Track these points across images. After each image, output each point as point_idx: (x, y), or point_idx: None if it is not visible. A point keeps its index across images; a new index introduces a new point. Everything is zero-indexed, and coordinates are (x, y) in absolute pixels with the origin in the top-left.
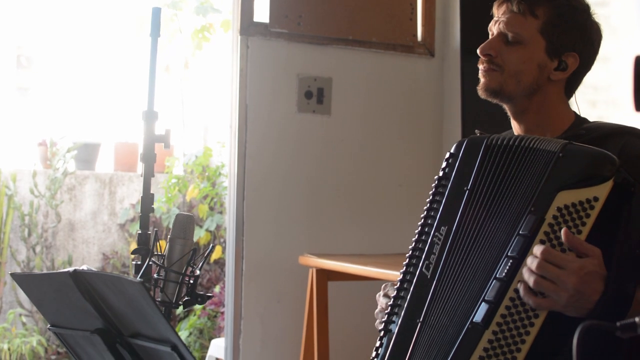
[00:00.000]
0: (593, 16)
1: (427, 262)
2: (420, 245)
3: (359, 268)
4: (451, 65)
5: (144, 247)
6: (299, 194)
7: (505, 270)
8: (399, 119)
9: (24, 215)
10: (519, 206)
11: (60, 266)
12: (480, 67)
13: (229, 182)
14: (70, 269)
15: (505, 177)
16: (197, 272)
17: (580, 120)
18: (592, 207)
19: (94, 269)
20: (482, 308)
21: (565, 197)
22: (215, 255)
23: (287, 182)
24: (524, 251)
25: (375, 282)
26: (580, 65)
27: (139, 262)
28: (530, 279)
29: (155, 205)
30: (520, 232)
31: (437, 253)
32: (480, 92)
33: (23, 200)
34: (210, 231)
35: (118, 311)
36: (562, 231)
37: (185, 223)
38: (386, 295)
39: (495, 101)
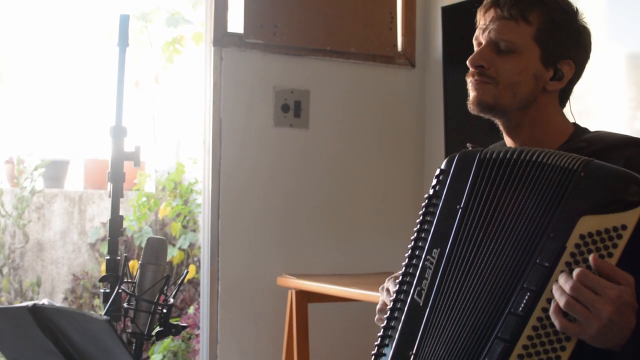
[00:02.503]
0: (583, 20)
1: (418, 288)
2: (411, 270)
3: (341, 289)
4: (433, 76)
5: (113, 273)
6: (276, 212)
7: (522, 305)
8: (379, 132)
9: None
10: (529, 229)
11: (29, 288)
12: (470, 79)
13: (203, 200)
14: (30, 303)
15: (505, 195)
16: (171, 300)
17: (580, 131)
18: (619, 236)
19: (55, 304)
20: (496, 347)
21: (589, 224)
22: (189, 275)
23: (264, 200)
24: (543, 283)
25: (357, 304)
26: (575, 73)
27: (107, 290)
28: (561, 299)
29: (126, 224)
30: (538, 261)
31: (429, 278)
32: (472, 107)
33: None
34: (184, 250)
35: (82, 350)
36: (591, 257)
37: (158, 247)
38: (387, 291)
39: (487, 116)
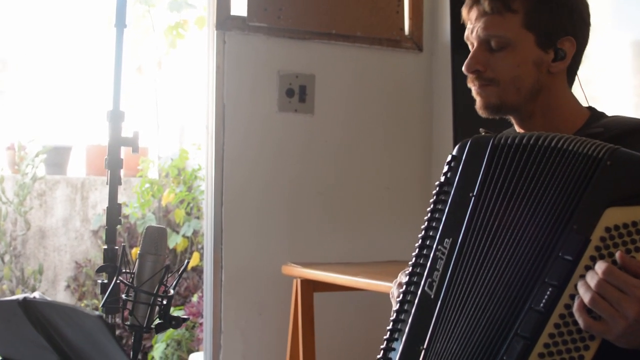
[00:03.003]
0: None
1: (429, 279)
2: (421, 261)
3: (347, 279)
4: (441, 60)
5: (111, 264)
6: (280, 199)
7: (544, 301)
8: (385, 117)
9: None
10: (549, 219)
11: (31, 276)
12: (472, 86)
13: (206, 187)
14: (20, 296)
15: (521, 182)
16: (171, 291)
17: (596, 116)
18: None
19: (47, 298)
20: (516, 345)
21: (615, 216)
22: (193, 262)
23: (268, 186)
24: (566, 278)
25: (364, 293)
26: (578, 46)
27: (105, 281)
28: (586, 295)
29: (129, 211)
30: (560, 254)
31: (441, 269)
32: (480, 111)
33: None
34: (187, 237)
35: (74, 345)
36: (618, 254)
37: (157, 236)
38: (400, 285)
39: (498, 116)
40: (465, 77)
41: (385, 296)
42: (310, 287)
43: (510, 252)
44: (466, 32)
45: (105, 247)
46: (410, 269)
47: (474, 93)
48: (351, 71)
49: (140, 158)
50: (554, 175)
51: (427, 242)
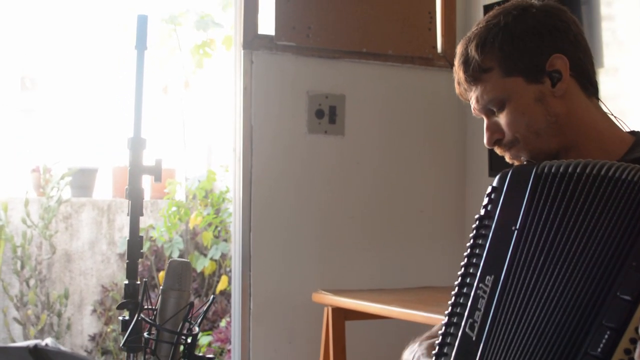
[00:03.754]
0: (530, 4)
1: (470, 320)
2: (461, 300)
3: (380, 307)
4: None
5: (132, 300)
6: (310, 223)
7: (601, 345)
8: (418, 138)
9: (16, 247)
10: (603, 256)
11: (56, 300)
12: (502, 154)
13: (233, 211)
14: (31, 343)
15: (569, 214)
16: (196, 329)
17: None
18: None
19: (59, 346)
20: None
21: None
22: (221, 286)
23: (298, 210)
24: (626, 320)
25: (397, 322)
26: (572, 57)
27: (126, 318)
28: None
29: (156, 234)
30: (619, 294)
31: (483, 309)
32: None
33: (15, 230)
34: (215, 260)
35: None
36: None
37: (181, 271)
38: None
39: None
40: None
41: (420, 325)
42: (341, 315)
43: (560, 290)
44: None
45: (127, 282)
46: (450, 308)
47: (507, 160)
48: (382, 91)
49: (167, 180)
50: (606, 207)
51: (467, 280)
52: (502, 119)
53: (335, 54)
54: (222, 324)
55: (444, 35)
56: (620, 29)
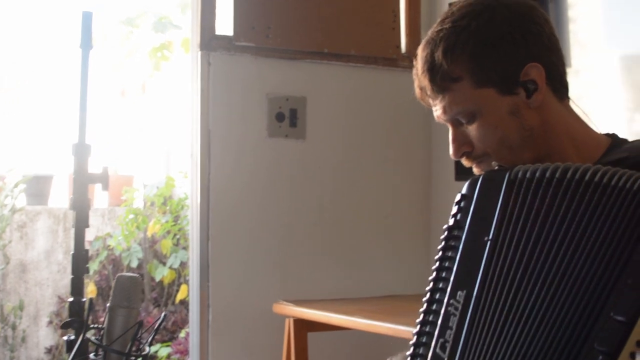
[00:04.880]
0: (501, 7)
1: (441, 340)
2: (431, 318)
3: (344, 318)
4: None
5: (77, 318)
6: (271, 231)
7: None
8: (383, 141)
9: None
10: (592, 269)
11: (11, 312)
12: (469, 165)
13: (190, 219)
14: None
15: (549, 223)
16: (146, 349)
17: (618, 142)
18: None
19: None
20: None
21: None
22: (181, 295)
23: (258, 217)
24: (620, 344)
25: (361, 333)
26: (547, 63)
27: (71, 337)
28: None
29: (113, 243)
30: (613, 314)
31: (454, 328)
32: None
33: None
34: (175, 269)
35: None
36: None
37: (129, 287)
38: None
39: None
40: None
41: (385, 337)
42: (303, 326)
43: (542, 307)
44: (434, 112)
45: (71, 299)
46: (418, 327)
47: (475, 171)
48: (345, 93)
49: (124, 187)
50: (593, 216)
51: (437, 296)
52: (471, 131)
53: (296, 54)
54: (182, 334)
55: (408, 35)
56: (581, 31)
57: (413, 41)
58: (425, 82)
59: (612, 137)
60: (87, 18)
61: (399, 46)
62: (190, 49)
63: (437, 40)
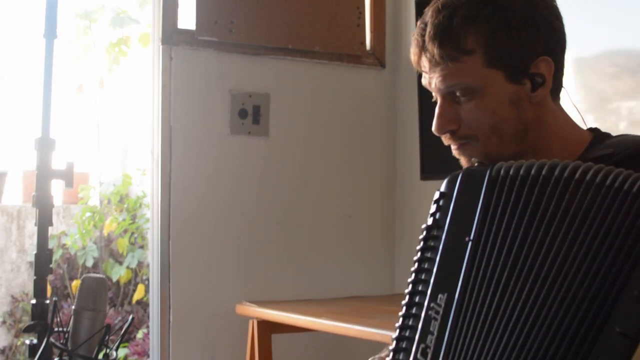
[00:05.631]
0: None
1: (422, 345)
2: (410, 322)
3: (309, 320)
4: (405, 77)
5: (40, 321)
6: (233, 230)
7: None
8: (346, 139)
9: None
10: (591, 277)
11: None
12: (449, 143)
13: (151, 217)
14: None
15: (536, 223)
16: (114, 354)
17: (600, 137)
18: None
19: None
20: None
21: None
22: (137, 295)
23: (220, 216)
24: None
25: (326, 334)
26: (557, 61)
27: (34, 342)
28: None
29: (69, 241)
30: (618, 329)
31: (436, 332)
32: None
33: None
34: (131, 268)
35: None
36: None
37: (95, 289)
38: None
39: None
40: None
41: (351, 339)
42: (267, 328)
43: (532, 314)
44: (423, 80)
45: (34, 301)
46: (398, 332)
47: (454, 152)
48: (309, 89)
49: (80, 184)
50: (585, 218)
51: (417, 299)
52: (464, 109)
53: (260, 50)
54: (139, 335)
55: (373, 32)
56: None
57: (378, 38)
58: (432, 47)
59: (595, 131)
60: (51, 6)
61: (363, 43)
62: (151, 42)
63: (457, 5)
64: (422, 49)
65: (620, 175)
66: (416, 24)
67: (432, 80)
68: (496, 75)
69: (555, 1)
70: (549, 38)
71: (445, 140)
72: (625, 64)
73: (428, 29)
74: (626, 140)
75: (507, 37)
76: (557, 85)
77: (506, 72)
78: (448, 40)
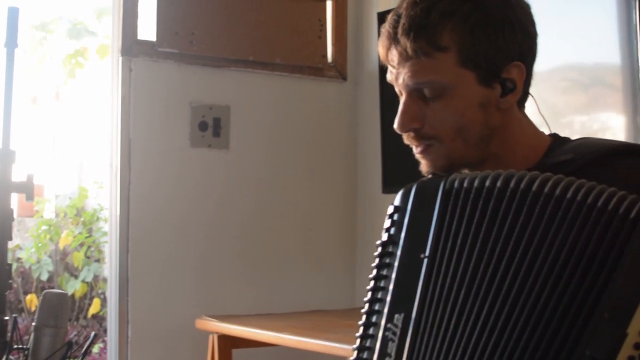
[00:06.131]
0: None
1: None
2: (367, 343)
3: (271, 335)
4: (366, 90)
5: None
6: (193, 244)
7: None
8: (307, 152)
9: None
10: (556, 296)
11: None
12: (410, 144)
13: (109, 231)
14: None
15: (493, 238)
16: None
17: (560, 141)
18: None
19: None
20: None
21: None
22: (93, 310)
23: (179, 230)
24: None
25: (288, 349)
26: (528, 68)
27: None
28: None
29: (24, 255)
30: (589, 353)
31: (394, 354)
32: (426, 174)
33: None
34: (87, 282)
35: None
36: None
37: (57, 305)
38: None
39: None
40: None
41: (312, 353)
42: (228, 343)
43: (493, 335)
44: (389, 75)
45: None
46: (355, 354)
47: (416, 154)
48: (270, 102)
49: (35, 197)
50: (546, 234)
51: (373, 319)
52: (431, 108)
53: (221, 62)
54: (95, 350)
55: (334, 44)
56: None
57: (339, 50)
58: (404, 40)
59: (554, 136)
60: (13, 14)
61: (325, 55)
62: (110, 54)
63: (435, 0)
64: (394, 41)
65: (583, 188)
66: (378, 36)
67: (399, 75)
68: (468, 76)
69: (531, 8)
70: (524, 44)
71: (407, 139)
72: (577, 79)
73: (402, 21)
74: (587, 144)
75: (484, 37)
76: (525, 94)
77: (479, 73)
78: (423, 35)
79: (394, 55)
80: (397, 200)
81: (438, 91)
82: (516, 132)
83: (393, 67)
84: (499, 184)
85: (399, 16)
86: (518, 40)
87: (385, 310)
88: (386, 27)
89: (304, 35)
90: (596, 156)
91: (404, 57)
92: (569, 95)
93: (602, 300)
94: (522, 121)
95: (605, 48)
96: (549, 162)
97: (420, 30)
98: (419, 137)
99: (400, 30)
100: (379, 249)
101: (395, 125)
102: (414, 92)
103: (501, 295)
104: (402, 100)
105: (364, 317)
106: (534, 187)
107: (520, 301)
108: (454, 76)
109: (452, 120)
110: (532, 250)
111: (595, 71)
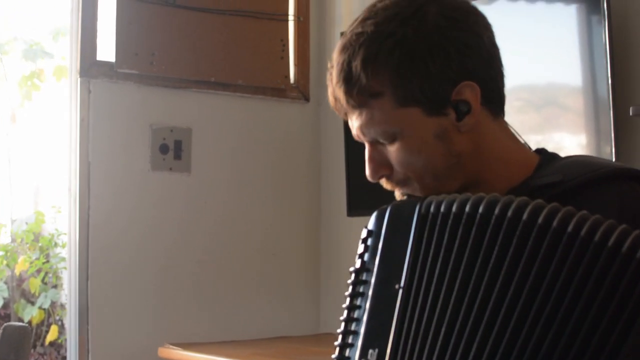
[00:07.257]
0: (435, 15)
1: None
2: None
3: None
4: (330, 111)
5: None
6: (155, 270)
7: None
8: (270, 175)
9: None
10: (545, 340)
11: None
12: (390, 189)
13: (68, 256)
14: None
15: (472, 271)
16: None
17: (547, 159)
18: None
19: None
20: None
21: None
22: (51, 337)
23: (141, 255)
24: None
25: None
26: (483, 80)
27: None
28: None
29: None
30: None
31: None
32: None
33: None
34: (44, 309)
35: None
36: None
37: (18, 338)
38: None
39: None
40: None
41: None
42: None
43: None
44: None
45: None
46: None
47: (397, 196)
48: (232, 124)
49: None
50: (546, 270)
51: (346, 353)
52: (391, 152)
53: (182, 83)
54: None
55: (297, 65)
56: None
57: (302, 71)
58: (340, 94)
59: (542, 152)
60: None
61: (287, 76)
62: (69, 75)
63: (355, 46)
64: (334, 96)
65: (587, 222)
66: None
67: (353, 126)
68: (413, 112)
69: (472, 15)
70: (465, 60)
71: (384, 184)
72: (529, 99)
73: (334, 72)
74: (577, 164)
75: (412, 71)
76: (496, 103)
77: (423, 107)
78: (352, 86)
79: (339, 107)
80: (371, 223)
81: (390, 137)
82: (494, 150)
83: (344, 116)
84: (481, 210)
85: (332, 66)
86: (455, 61)
87: (359, 344)
88: (328, 75)
89: (266, 56)
90: (588, 179)
91: (350, 109)
92: (523, 115)
93: (622, 354)
94: (498, 135)
95: (563, 68)
96: (535, 184)
97: (349, 83)
98: (393, 182)
99: (334, 83)
100: (352, 277)
101: (367, 175)
102: (372, 141)
103: (479, 334)
104: (366, 148)
105: (337, 351)
106: (524, 217)
107: (504, 341)
108: (397, 119)
109: (413, 160)
110: (528, 289)
111: (548, 91)
